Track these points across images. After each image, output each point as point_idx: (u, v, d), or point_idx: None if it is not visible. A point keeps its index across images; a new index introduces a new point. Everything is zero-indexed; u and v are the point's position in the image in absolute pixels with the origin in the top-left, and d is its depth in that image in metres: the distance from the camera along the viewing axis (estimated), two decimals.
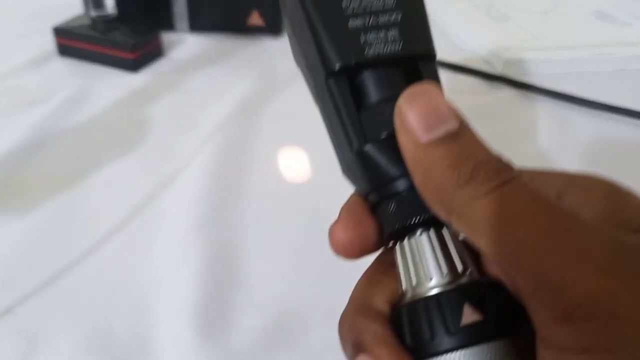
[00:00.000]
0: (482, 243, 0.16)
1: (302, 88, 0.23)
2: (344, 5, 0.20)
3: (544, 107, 0.53)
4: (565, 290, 0.14)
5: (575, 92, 0.53)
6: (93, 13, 0.57)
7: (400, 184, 0.19)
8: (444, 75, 0.57)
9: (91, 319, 0.32)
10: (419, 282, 0.18)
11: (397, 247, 0.20)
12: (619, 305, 0.14)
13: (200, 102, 0.53)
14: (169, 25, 0.64)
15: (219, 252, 0.37)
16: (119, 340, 0.31)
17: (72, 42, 0.58)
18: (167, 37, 0.62)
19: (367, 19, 0.20)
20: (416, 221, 0.19)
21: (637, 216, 0.17)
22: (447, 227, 0.19)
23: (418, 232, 0.19)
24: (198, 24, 0.65)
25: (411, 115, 0.18)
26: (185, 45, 0.63)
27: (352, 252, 0.20)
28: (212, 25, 0.65)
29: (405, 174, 0.19)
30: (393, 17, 0.20)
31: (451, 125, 0.18)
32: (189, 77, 0.57)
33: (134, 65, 0.56)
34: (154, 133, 0.48)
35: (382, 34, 0.20)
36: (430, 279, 0.18)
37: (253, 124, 0.49)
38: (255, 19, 0.63)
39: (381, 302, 0.20)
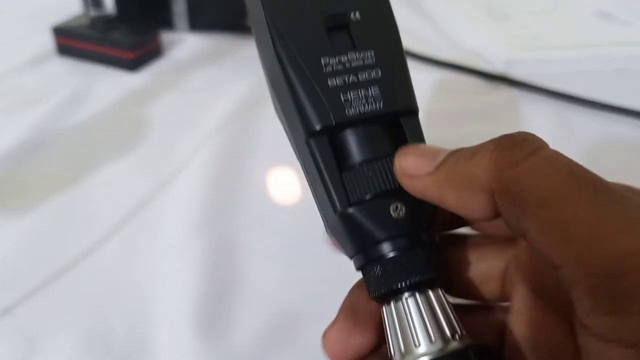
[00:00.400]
0: (528, 223, 0.15)
1: None
2: (323, 62, 0.19)
3: (545, 107, 0.53)
4: (620, 280, 0.13)
5: (575, 92, 0.53)
6: (92, 13, 0.57)
7: (386, 247, 0.19)
8: (444, 74, 0.58)
9: (91, 319, 0.32)
10: (407, 349, 0.18)
11: (384, 310, 0.19)
12: None
13: (200, 101, 0.53)
14: (169, 25, 0.64)
15: (218, 252, 0.37)
16: (119, 340, 0.31)
17: (71, 41, 0.58)
18: (166, 36, 0.62)
19: (347, 77, 0.20)
20: (402, 285, 0.18)
21: None
22: (434, 290, 0.19)
23: (405, 296, 0.19)
24: (198, 24, 0.64)
25: (411, 160, 0.18)
26: (184, 44, 0.63)
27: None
28: (211, 24, 0.65)
29: (390, 237, 0.19)
30: (373, 74, 0.20)
31: (448, 150, 0.18)
32: (188, 77, 0.56)
33: (133, 65, 0.56)
34: (153, 133, 0.48)
35: (362, 92, 0.20)
36: (418, 345, 0.18)
37: (253, 124, 0.49)
38: None
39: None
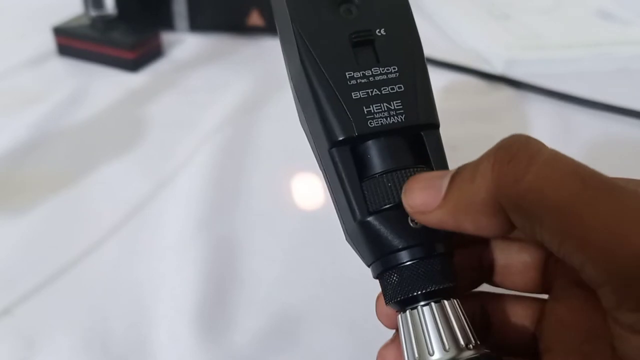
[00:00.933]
0: (544, 234, 0.16)
1: None
2: (348, 76, 0.20)
3: (545, 107, 0.53)
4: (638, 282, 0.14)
5: (576, 92, 0.53)
6: (93, 13, 0.57)
7: (403, 256, 0.19)
8: (444, 75, 0.58)
9: (90, 319, 0.32)
10: (421, 357, 0.19)
11: (400, 317, 0.20)
12: None
13: (200, 102, 0.53)
14: (169, 25, 0.64)
15: (218, 252, 0.37)
16: (118, 340, 0.31)
17: (71, 41, 0.58)
18: (166, 36, 0.62)
19: (371, 91, 0.20)
20: (418, 293, 0.19)
21: None
22: (449, 300, 0.19)
23: (420, 304, 0.19)
24: (198, 24, 0.64)
25: (418, 197, 0.18)
26: (184, 45, 0.63)
27: None
28: (212, 24, 0.65)
29: (407, 246, 0.19)
30: (396, 88, 0.21)
31: (449, 175, 0.18)
32: (188, 77, 0.56)
33: (133, 65, 0.56)
34: (153, 133, 0.48)
35: (385, 105, 0.20)
36: (432, 354, 0.18)
37: (252, 124, 0.49)
38: (255, 18, 0.63)
39: None
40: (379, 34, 0.21)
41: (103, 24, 0.57)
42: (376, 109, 0.20)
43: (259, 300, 0.34)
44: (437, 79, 0.56)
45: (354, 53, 0.21)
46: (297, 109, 0.23)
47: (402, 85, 0.21)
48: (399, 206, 0.19)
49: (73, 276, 0.34)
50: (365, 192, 0.20)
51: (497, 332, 0.22)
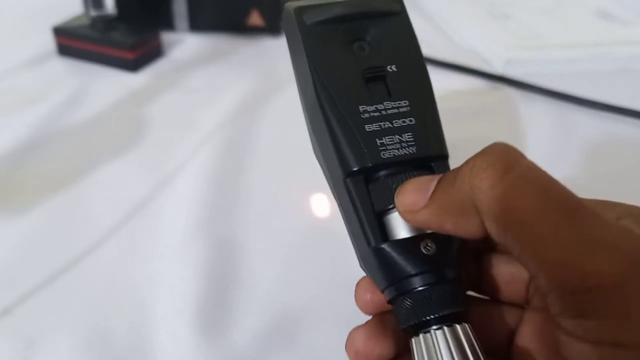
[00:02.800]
0: (509, 241, 0.17)
1: None
2: (361, 110, 0.21)
3: (545, 107, 0.53)
4: (584, 294, 0.16)
5: (576, 92, 0.53)
6: (93, 13, 0.57)
7: (416, 281, 0.20)
8: (444, 74, 0.58)
9: (90, 319, 0.32)
10: None
11: (413, 341, 0.20)
12: (631, 304, 0.15)
13: (200, 101, 0.53)
14: (169, 25, 0.64)
15: (218, 252, 0.37)
16: (118, 340, 0.31)
17: (71, 41, 0.58)
18: (166, 37, 0.62)
19: (383, 123, 0.21)
20: (430, 318, 0.20)
21: None
22: (461, 324, 0.20)
23: (433, 328, 0.20)
24: (198, 24, 0.64)
25: (408, 197, 0.19)
26: (185, 45, 0.63)
27: None
28: (212, 25, 0.65)
29: (420, 272, 0.20)
30: (407, 121, 0.22)
31: (437, 178, 0.19)
32: (188, 77, 0.56)
33: (133, 65, 0.56)
34: (153, 133, 0.48)
35: (397, 137, 0.21)
36: None
37: (252, 124, 0.49)
38: (255, 18, 0.63)
39: None
40: (391, 70, 0.22)
41: (103, 24, 0.57)
42: (388, 141, 0.21)
43: (259, 300, 0.34)
44: (437, 79, 0.55)
45: (367, 88, 0.22)
46: (311, 140, 0.24)
47: (412, 118, 0.22)
48: None
49: (73, 276, 0.34)
50: (380, 220, 0.21)
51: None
